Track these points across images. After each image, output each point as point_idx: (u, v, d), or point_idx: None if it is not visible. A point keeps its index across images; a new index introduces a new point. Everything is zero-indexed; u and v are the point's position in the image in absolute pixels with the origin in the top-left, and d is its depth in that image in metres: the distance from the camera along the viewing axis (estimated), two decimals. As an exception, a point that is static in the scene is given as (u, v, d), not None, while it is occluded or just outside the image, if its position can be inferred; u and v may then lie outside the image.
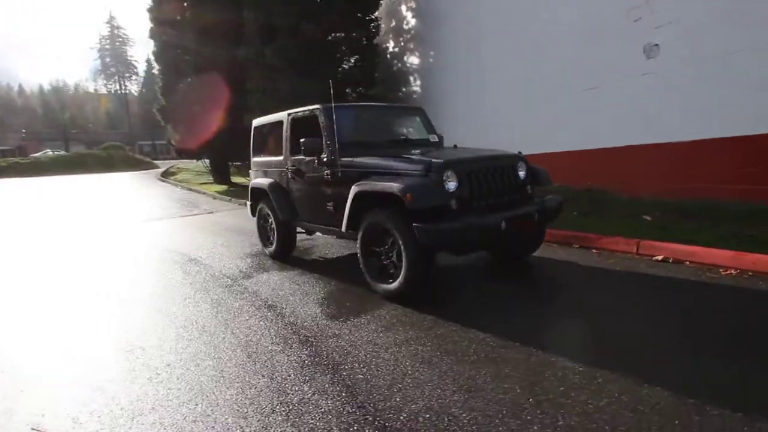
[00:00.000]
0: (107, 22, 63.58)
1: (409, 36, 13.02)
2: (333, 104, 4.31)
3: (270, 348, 2.91)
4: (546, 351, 2.63)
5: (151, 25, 15.47)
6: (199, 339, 3.14)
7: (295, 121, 4.92)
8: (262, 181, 5.40)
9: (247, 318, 3.50)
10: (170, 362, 2.78)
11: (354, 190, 3.83)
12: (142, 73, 63.48)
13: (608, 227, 5.37)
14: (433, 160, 3.58)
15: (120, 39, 64.29)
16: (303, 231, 5.30)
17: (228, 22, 12.87)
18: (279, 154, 5.16)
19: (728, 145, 5.91)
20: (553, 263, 4.61)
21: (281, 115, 5.14)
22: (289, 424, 2.06)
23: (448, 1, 10.59)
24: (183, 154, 16.94)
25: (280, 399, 2.28)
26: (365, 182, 3.78)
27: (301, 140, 4.33)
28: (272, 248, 5.46)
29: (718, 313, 3.13)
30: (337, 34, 12.07)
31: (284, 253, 5.39)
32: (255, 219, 5.85)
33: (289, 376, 2.52)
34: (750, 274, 3.78)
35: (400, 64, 13.43)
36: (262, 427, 2.06)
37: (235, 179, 16.71)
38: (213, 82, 13.23)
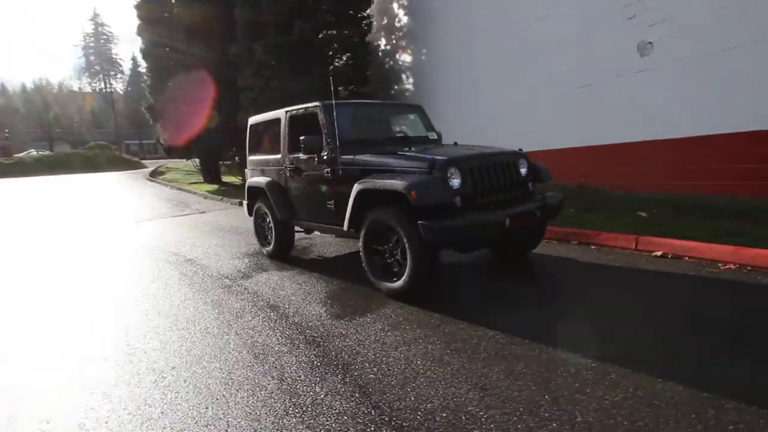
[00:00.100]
0: (91, 20, 62.61)
1: (401, 34, 12.97)
2: (334, 101, 4.26)
3: (277, 349, 2.87)
4: (555, 347, 2.63)
5: (139, 22, 15.25)
6: (203, 341, 3.08)
7: (294, 119, 4.86)
8: (260, 180, 5.34)
9: (250, 318, 3.45)
10: (175, 365, 2.73)
11: (356, 188, 3.79)
12: (127, 71, 62.69)
13: (605, 224, 5.40)
14: (437, 157, 3.56)
15: (105, 36, 63.34)
16: (301, 230, 5.25)
17: (218, 19, 12.73)
18: (277, 152, 5.11)
19: (721, 142, 5.98)
20: (554, 260, 4.62)
21: (279, 113, 5.08)
22: (304, 426, 2.03)
23: (440, -2, 10.57)
24: (172, 153, 16.72)
25: (293, 401, 2.24)
26: (368, 180, 3.75)
27: (301, 138, 4.28)
28: (270, 248, 5.40)
29: (722, 308, 3.16)
30: (329, 32, 11.98)
31: (283, 253, 5.34)
32: (251, 218, 5.79)
33: (299, 377, 2.48)
34: (749, 268, 3.82)
35: (392, 62, 13.37)
36: (277, 429, 2.02)
37: (226, 179, 16.55)
38: (202, 79, 13.08)
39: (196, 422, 2.11)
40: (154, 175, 22.89)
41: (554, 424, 1.93)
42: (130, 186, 18.94)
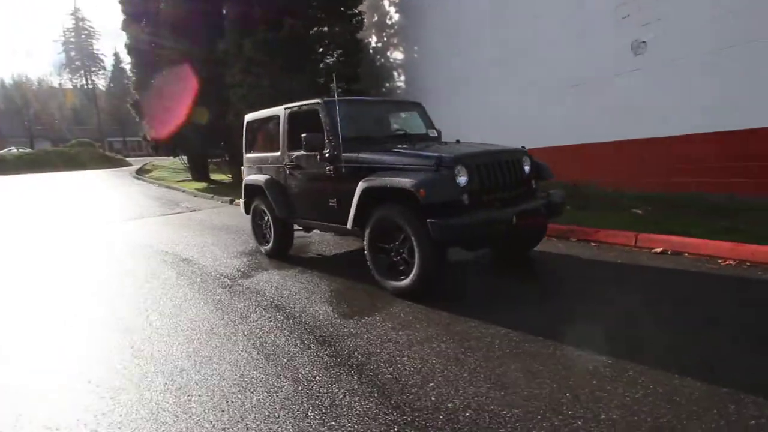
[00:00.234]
0: (72, 14, 61.13)
1: (392, 31, 12.94)
2: (336, 98, 4.21)
3: (288, 349, 2.83)
4: (569, 345, 2.63)
5: (124, 17, 14.93)
6: (210, 342, 3.02)
7: (293, 116, 4.80)
8: (258, 178, 5.26)
9: (256, 319, 3.39)
10: (184, 367, 2.66)
11: (362, 186, 3.75)
12: (110, 67, 61.36)
13: (602, 221, 5.45)
14: (444, 154, 3.53)
15: (86, 32, 61.85)
16: (300, 228, 5.19)
17: (205, 14, 12.51)
18: (275, 149, 5.03)
19: (714, 140, 6.07)
20: (555, 257, 4.64)
21: (277, 110, 5.00)
22: (326, 428, 1.99)
23: (432, -5, 10.55)
24: (159, 150, 16.44)
25: (311, 402, 2.20)
26: (373, 178, 3.71)
27: (303, 135, 4.23)
28: (269, 246, 5.34)
29: (727, 303, 3.20)
30: (320, 29, 11.87)
31: (281, 251, 5.28)
32: (247, 216, 5.71)
33: (315, 377, 2.44)
34: (748, 264, 3.89)
35: (383, 60, 13.33)
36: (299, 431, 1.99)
37: (215, 176, 16.33)
38: (190, 76, 12.84)
39: (214, 426, 2.06)
40: (141, 172, 22.47)
41: (579, 422, 1.93)
42: (116, 184, 18.57)
